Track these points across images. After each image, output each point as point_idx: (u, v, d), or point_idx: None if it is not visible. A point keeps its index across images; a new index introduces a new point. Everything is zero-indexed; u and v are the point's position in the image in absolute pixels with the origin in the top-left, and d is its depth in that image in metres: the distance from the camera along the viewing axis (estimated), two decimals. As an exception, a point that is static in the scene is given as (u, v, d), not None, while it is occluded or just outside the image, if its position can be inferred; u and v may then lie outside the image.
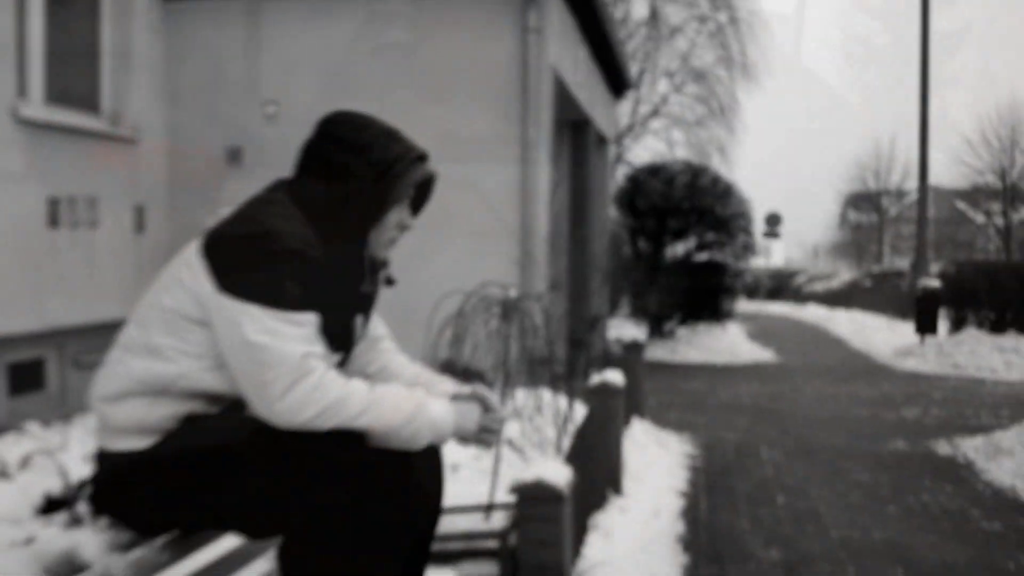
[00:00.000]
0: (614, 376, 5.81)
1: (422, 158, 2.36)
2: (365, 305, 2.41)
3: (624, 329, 15.12)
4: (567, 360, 7.16)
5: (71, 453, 5.07)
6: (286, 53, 8.68)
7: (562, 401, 5.86)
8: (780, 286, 44.70)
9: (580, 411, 5.79)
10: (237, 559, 2.51)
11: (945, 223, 56.98)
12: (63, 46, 7.65)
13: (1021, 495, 6.57)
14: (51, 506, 4.58)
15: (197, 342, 2.13)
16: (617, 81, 13.97)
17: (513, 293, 4.88)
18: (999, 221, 48.37)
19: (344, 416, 2.07)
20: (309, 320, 2.11)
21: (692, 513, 5.94)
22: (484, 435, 2.34)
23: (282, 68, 8.68)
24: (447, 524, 3.18)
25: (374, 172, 2.24)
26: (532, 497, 3.20)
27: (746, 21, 29.08)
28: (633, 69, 27.83)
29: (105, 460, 2.22)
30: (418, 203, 2.44)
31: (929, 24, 20.76)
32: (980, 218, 50.59)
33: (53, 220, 7.28)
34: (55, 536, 2.09)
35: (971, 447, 8.06)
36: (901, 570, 4.97)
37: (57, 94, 7.51)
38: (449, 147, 7.81)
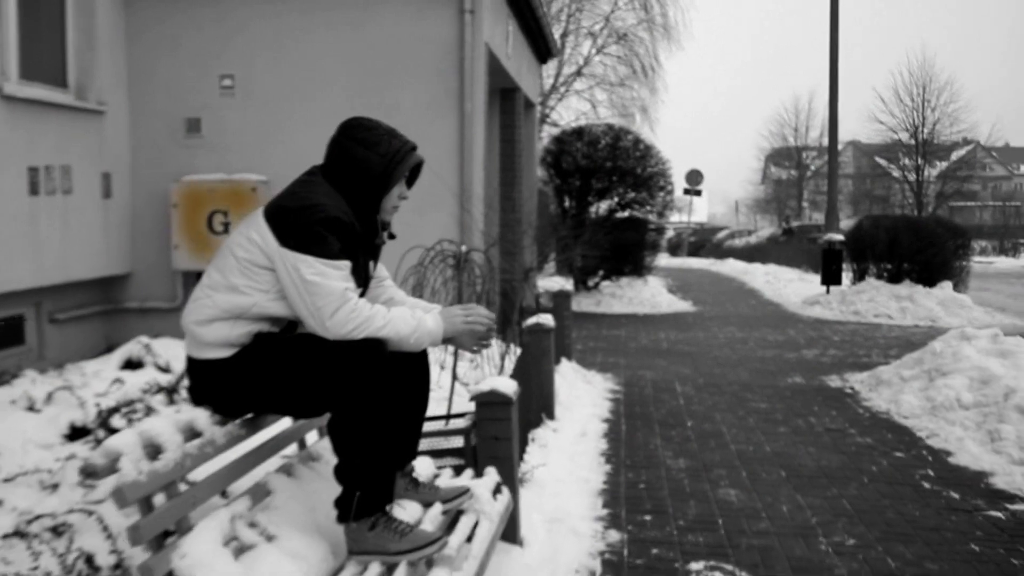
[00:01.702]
0: (545, 319, 6.80)
1: (414, 149, 3.28)
2: (376, 254, 3.36)
3: (552, 283, 16.09)
4: (500, 308, 8.09)
5: (88, 389, 5.88)
6: (241, 30, 9.37)
7: (499, 342, 6.81)
8: (703, 242, 45.99)
9: (514, 351, 6.76)
10: (295, 432, 3.47)
11: (865, 178, 58.74)
12: (32, 24, 8.27)
13: (892, 416, 7.71)
14: (76, 433, 5.43)
15: (265, 281, 3.05)
16: (543, 49, 14.85)
17: (464, 248, 5.82)
18: (912, 177, 50.22)
19: (372, 329, 3.01)
20: (345, 265, 3.05)
21: (613, 434, 6.97)
22: (472, 339, 3.28)
23: (237, 44, 9.38)
24: (426, 426, 4.12)
25: (382, 161, 3.18)
26: (487, 402, 4.15)
27: (667, -18, 29.96)
28: (557, 31, 28.71)
29: (197, 366, 3.13)
30: (411, 180, 3.38)
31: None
32: (897, 173, 52.28)
33: (33, 188, 7.97)
34: (183, 412, 2.96)
35: (858, 380, 9.21)
36: (784, 472, 6.04)
37: (29, 71, 8.17)
38: (394, 117, 8.58)
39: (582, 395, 7.98)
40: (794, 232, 37.02)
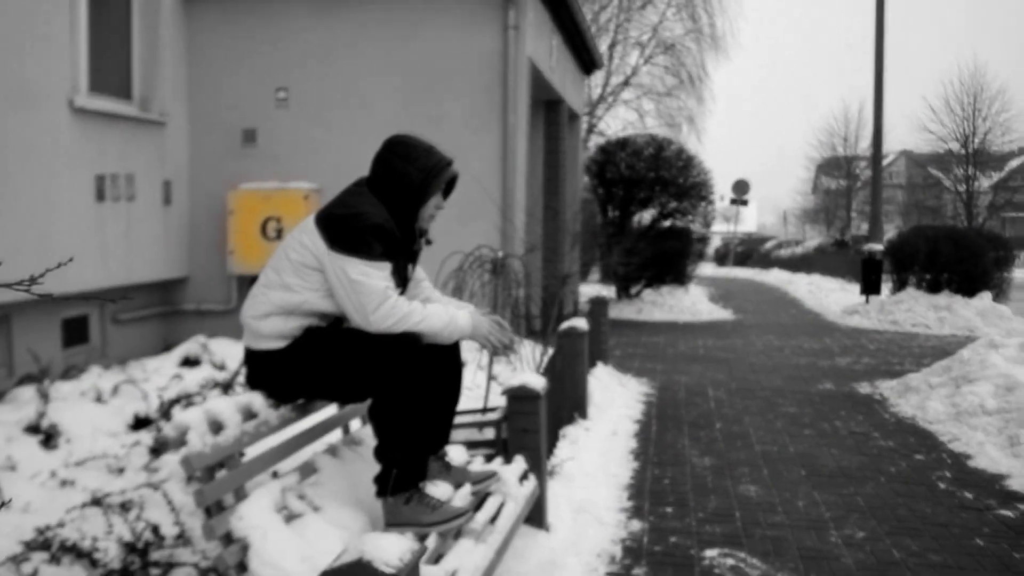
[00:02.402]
0: (579, 323, 7.14)
1: (450, 163, 3.65)
2: (414, 257, 3.74)
3: (593, 290, 16.41)
4: (542, 311, 8.45)
5: (149, 384, 6.32)
6: (295, 45, 9.83)
7: (536, 344, 7.17)
8: (750, 252, 45.97)
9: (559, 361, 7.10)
10: (340, 418, 3.86)
11: (918, 188, 58.12)
12: (100, 40, 8.77)
13: (917, 422, 7.95)
14: (139, 423, 5.86)
15: (315, 281, 3.43)
16: (587, 61, 15.20)
17: (501, 254, 6.18)
18: (962, 187, 49.78)
19: (410, 323, 3.39)
20: (387, 267, 3.43)
21: (644, 434, 7.29)
22: (492, 338, 3.65)
23: (292, 58, 9.84)
24: (459, 419, 4.49)
25: (421, 175, 3.55)
26: (518, 396, 4.51)
27: (715, -7, 30.15)
28: (605, 41, 29.05)
29: (254, 356, 3.52)
30: (447, 192, 3.75)
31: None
32: (948, 183, 51.77)
33: (100, 194, 8.46)
34: (237, 396, 3.35)
35: (887, 387, 9.44)
36: (804, 471, 6.33)
37: (97, 83, 8.66)
38: (439, 129, 9.10)
39: (616, 397, 8.30)
40: (848, 243, 36.95)
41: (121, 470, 4.93)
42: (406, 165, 3.56)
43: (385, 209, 3.52)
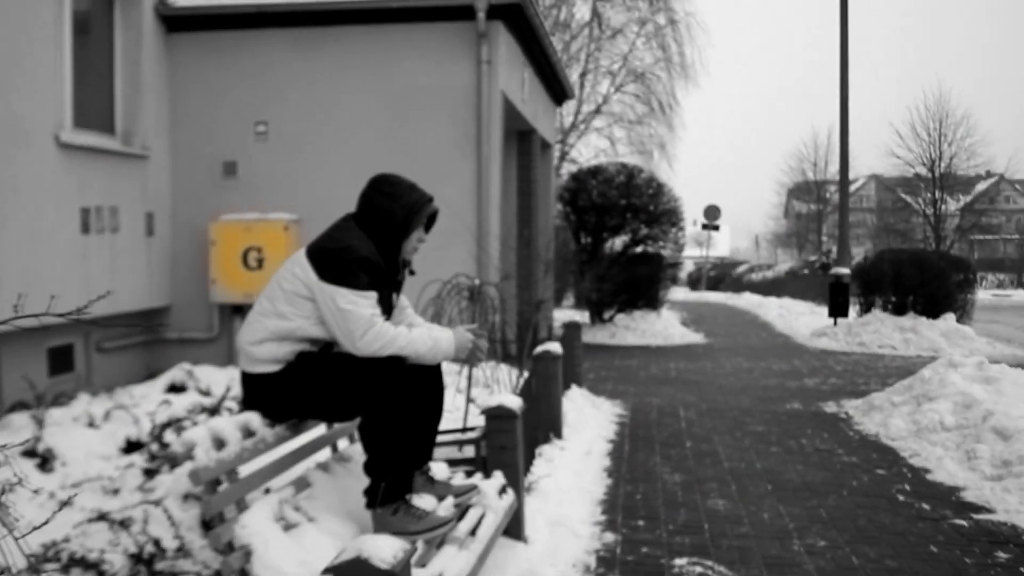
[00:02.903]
0: (553, 346, 7.42)
1: (430, 200, 3.93)
2: (398, 287, 4.02)
3: (566, 316, 16.69)
4: (517, 336, 8.73)
5: (139, 409, 6.53)
6: (274, 79, 10.12)
7: (512, 368, 7.44)
8: (722, 276, 46.44)
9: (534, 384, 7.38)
10: (330, 437, 4.12)
11: (887, 211, 58.72)
12: (84, 76, 9.01)
13: (880, 438, 8.26)
14: (131, 447, 6.07)
15: (306, 309, 3.70)
16: (558, 92, 15.55)
17: (477, 282, 6.46)
18: (930, 210, 50.53)
19: (395, 347, 3.66)
20: (373, 296, 3.70)
21: (617, 453, 7.56)
22: (473, 355, 3.93)
23: (271, 92, 10.12)
24: (441, 438, 4.75)
25: (403, 211, 3.84)
26: (496, 416, 4.77)
27: (684, 23, 30.71)
28: (576, 70, 29.50)
29: (249, 379, 3.77)
30: (428, 226, 4.03)
31: (848, 17, 22.26)
32: (917, 207, 52.44)
33: (85, 227, 8.69)
34: (236, 416, 3.60)
35: (852, 406, 9.75)
36: (770, 486, 6.61)
37: (81, 119, 8.90)
38: (415, 159, 9.41)
39: (589, 419, 8.57)
40: (831, 265, 37.37)
41: (116, 491, 5.14)
42: (390, 202, 3.85)
43: (371, 242, 3.80)
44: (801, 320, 20.44)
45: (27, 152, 7.84)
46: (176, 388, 7.95)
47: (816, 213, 64.87)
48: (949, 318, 15.99)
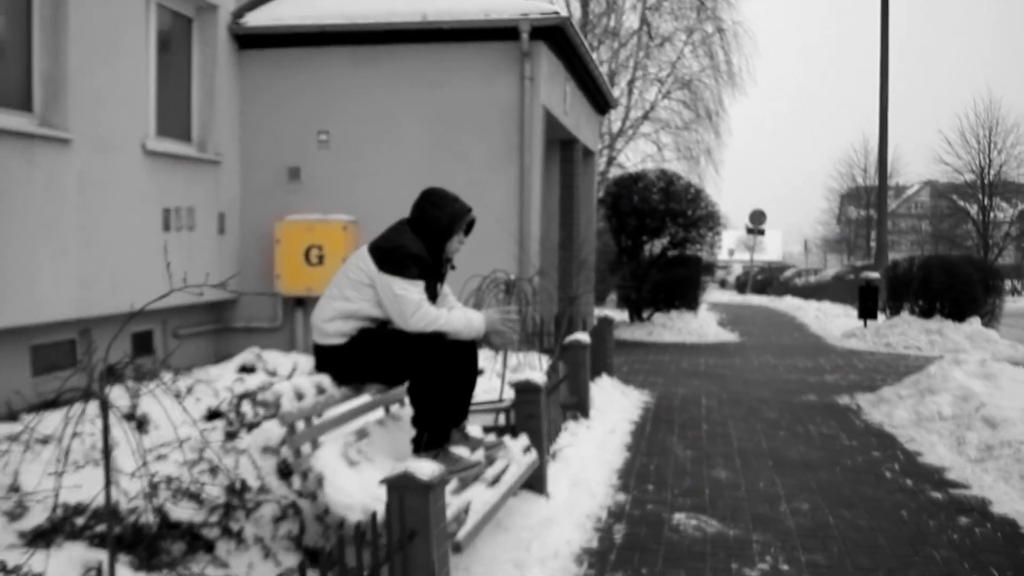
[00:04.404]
0: (582, 336, 8.33)
1: (470, 210, 4.86)
2: (442, 278, 4.97)
3: (603, 313, 17.55)
4: (555, 330, 9.60)
5: (217, 385, 7.50)
6: (335, 91, 11.07)
7: (543, 356, 8.32)
8: (769, 280, 46.88)
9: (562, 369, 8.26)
10: (383, 400, 5.06)
11: (941, 217, 58.60)
12: (165, 90, 10.02)
13: (883, 427, 9.03)
14: (212, 415, 7.02)
15: (367, 294, 4.64)
16: (601, 102, 16.40)
17: (513, 276, 7.37)
18: (980, 217, 50.60)
19: (437, 325, 4.60)
20: (421, 284, 4.66)
21: (638, 432, 8.43)
22: (501, 335, 4.86)
23: (332, 103, 11.07)
24: (477, 408, 5.66)
25: (447, 219, 4.79)
26: (523, 389, 5.69)
27: (731, 31, 31.33)
28: (625, 77, 30.29)
29: (320, 349, 4.72)
30: (468, 231, 4.98)
31: (888, 25, 22.85)
32: (973, 212, 52.38)
33: (166, 225, 9.70)
34: (309, 377, 4.53)
35: (865, 399, 10.51)
36: (771, 462, 7.45)
37: (163, 128, 9.92)
38: (462, 167, 10.34)
39: (616, 403, 9.44)
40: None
41: (203, 448, 6.10)
42: (437, 212, 4.81)
43: (420, 242, 4.75)
44: (835, 322, 21.11)
45: (119, 158, 8.85)
46: (246, 369, 8.91)
47: (866, 219, 64.95)
48: (974, 321, 16.61)
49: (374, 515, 3.33)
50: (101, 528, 4.28)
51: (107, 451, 3.06)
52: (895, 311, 17.87)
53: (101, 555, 3.59)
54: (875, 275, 18.24)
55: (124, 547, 4.10)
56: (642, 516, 5.88)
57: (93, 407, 6.34)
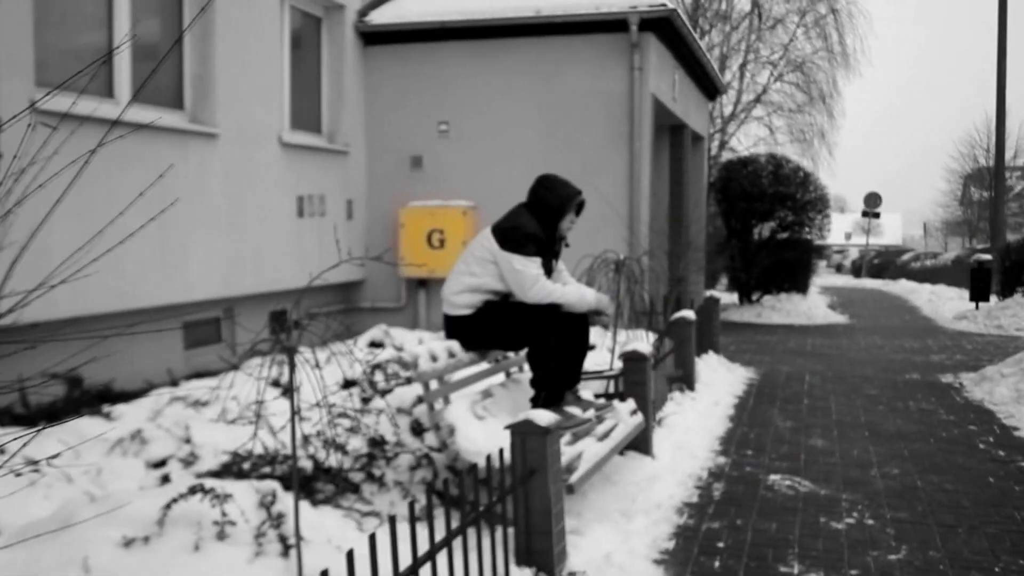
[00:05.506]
0: (688, 313, 8.84)
1: (579, 192, 5.43)
2: (556, 255, 5.57)
3: (720, 296, 17.95)
4: (663, 309, 10.13)
5: (350, 357, 8.21)
6: (455, 84, 11.74)
7: (650, 333, 8.86)
8: (886, 264, 46.22)
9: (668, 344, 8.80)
10: (505, 365, 5.69)
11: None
12: (298, 85, 10.81)
13: (983, 404, 9.30)
14: (347, 384, 7.74)
15: (491, 270, 5.27)
16: (710, 88, 16.78)
17: (622, 256, 7.93)
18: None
19: (553, 298, 5.20)
20: (538, 261, 5.26)
21: (742, 405, 8.91)
22: (603, 313, 5.44)
23: (452, 95, 11.75)
24: (589, 376, 6.25)
25: (558, 201, 5.38)
26: (631, 358, 6.25)
27: (845, 11, 31.08)
28: (736, 61, 30.37)
29: (450, 319, 5.37)
30: (579, 211, 5.55)
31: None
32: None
33: (300, 212, 10.49)
34: (441, 341, 5.17)
35: (968, 378, 10.76)
36: (867, 433, 7.86)
37: (296, 122, 10.71)
38: (574, 154, 10.91)
39: (722, 379, 9.92)
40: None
41: (340, 415, 6.81)
42: (549, 194, 5.40)
43: (536, 223, 5.35)
44: (948, 305, 21.07)
45: (260, 150, 9.65)
46: (375, 344, 9.65)
47: (989, 200, 63.20)
48: (1089, 303, 16.54)
49: (501, 450, 3.96)
50: (265, 470, 4.99)
51: (291, 388, 3.68)
52: (1008, 293, 17.83)
53: (272, 486, 4.25)
54: (987, 257, 18.21)
55: (285, 486, 4.79)
56: (740, 476, 6.39)
57: (241, 377, 7.08)
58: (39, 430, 2.96)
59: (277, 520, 3.87)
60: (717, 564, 4.77)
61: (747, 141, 31.57)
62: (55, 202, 3.06)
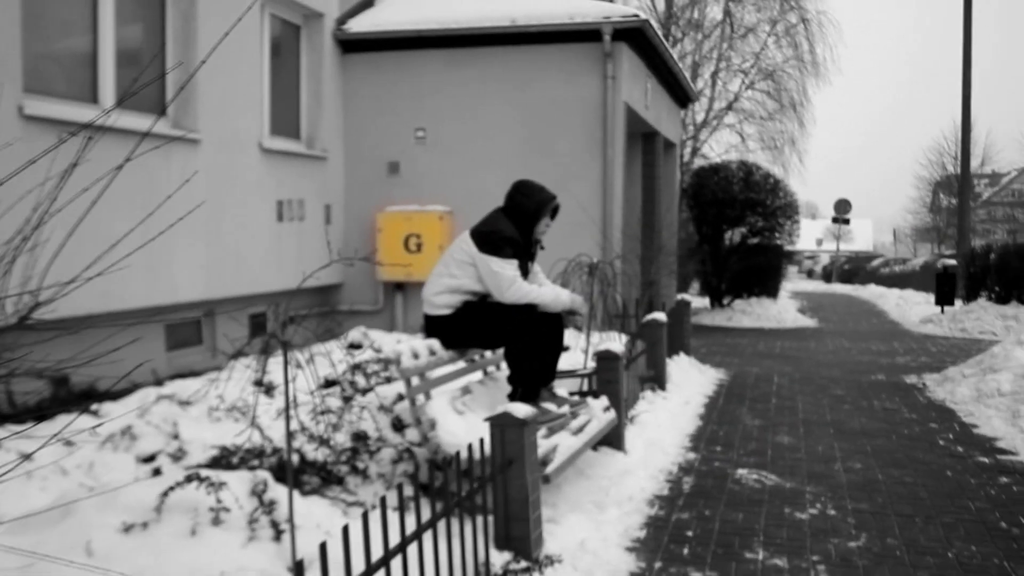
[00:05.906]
0: (659, 315, 9.08)
1: (554, 198, 5.66)
2: (532, 257, 5.81)
3: (683, 297, 18.23)
4: (635, 311, 10.37)
5: (334, 356, 8.42)
6: (431, 91, 11.95)
7: (622, 334, 9.10)
8: (856, 270, 46.80)
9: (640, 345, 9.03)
10: (483, 364, 5.91)
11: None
12: (277, 92, 10.99)
13: (945, 403, 9.61)
14: (329, 384, 7.93)
15: (469, 271, 5.49)
16: (682, 96, 17.08)
17: (595, 260, 8.17)
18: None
19: (529, 298, 5.43)
20: (515, 263, 5.48)
21: (711, 404, 9.17)
22: (577, 313, 5.67)
23: (428, 102, 11.96)
24: (564, 375, 6.48)
25: (534, 205, 5.62)
26: (603, 357, 6.49)
27: (815, 21, 31.51)
28: (708, 69, 30.72)
29: (430, 319, 5.59)
30: (553, 215, 5.79)
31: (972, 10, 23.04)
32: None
33: (280, 216, 10.67)
34: (422, 340, 5.39)
35: (931, 379, 11.08)
36: (832, 430, 8.13)
37: (275, 127, 10.89)
38: (549, 161, 11.15)
39: (693, 379, 10.18)
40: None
41: (324, 411, 7.01)
42: (525, 199, 5.65)
43: (513, 226, 5.58)
44: (915, 309, 21.46)
45: (240, 156, 9.83)
46: (354, 346, 9.84)
47: (957, 207, 63.91)
48: (1052, 307, 16.94)
49: (481, 441, 4.18)
50: (253, 463, 5.19)
51: (287, 380, 3.88)
52: (972, 297, 18.23)
53: (263, 475, 4.44)
54: (952, 262, 18.61)
55: (275, 477, 4.99)
56: (709, 471, 6.64)
57: (226, 376, 7.24)
58: (32, 425, 3.16)
59: (269, 507, 4.07)
60: (686, 551, 5.01)
61: (719, 148, 31.95)
62: (80, 219, 3.25)
